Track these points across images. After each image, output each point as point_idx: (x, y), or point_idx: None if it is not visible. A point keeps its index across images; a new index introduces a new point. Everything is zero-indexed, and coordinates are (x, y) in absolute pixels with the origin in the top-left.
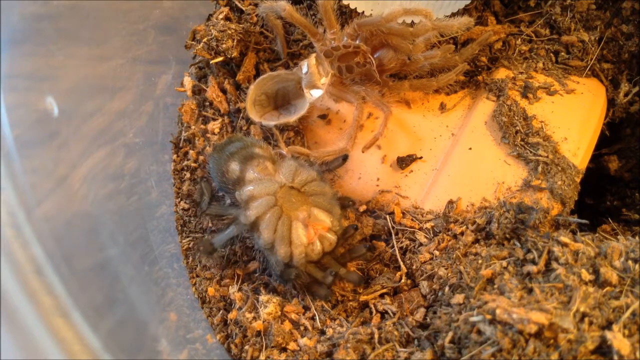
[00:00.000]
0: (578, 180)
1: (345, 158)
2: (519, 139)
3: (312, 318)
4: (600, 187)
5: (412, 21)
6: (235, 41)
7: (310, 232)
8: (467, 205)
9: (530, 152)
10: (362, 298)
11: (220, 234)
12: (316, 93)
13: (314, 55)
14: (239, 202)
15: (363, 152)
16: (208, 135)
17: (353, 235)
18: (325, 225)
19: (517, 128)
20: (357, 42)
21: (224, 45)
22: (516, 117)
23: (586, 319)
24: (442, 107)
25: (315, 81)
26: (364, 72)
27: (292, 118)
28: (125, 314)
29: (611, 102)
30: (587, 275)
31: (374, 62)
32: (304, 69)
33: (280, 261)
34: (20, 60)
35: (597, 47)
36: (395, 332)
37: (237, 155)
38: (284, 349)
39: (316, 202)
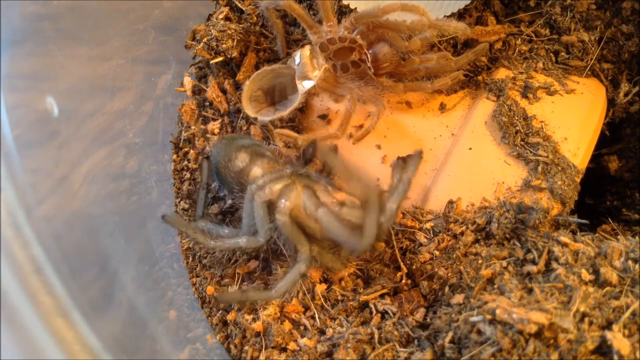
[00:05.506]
0: (578, 180)
1: (314, 143)
2: (519, 139)
3: (312, 317)
4: (600, 187)
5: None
6: (235, 41)
7: (336, 195)
8: (467, 205)
9: (530, 152)
10: (362, 298)
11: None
12: (308, 84)
13: (308, 46)
14: (247, 195)
15: (354, 143)
16: (208, 135)
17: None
18: (344, 194)
19: (517, 128)
20: (354, 34)
21: (224, 45)
22: (516, 117)
23: (586, 319)
24: (442, 107)
25: (307, 72)
26: (358, 73)
27: (286, 112)
28: (125, 313)
29: (611, 102)
30: (587, 275)
31: (369, 57)
32: (297, 60)
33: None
34: (20, 60)
35: (597, 47)
36: (395, 332)
37: (249, 148)
38: (284, 349)
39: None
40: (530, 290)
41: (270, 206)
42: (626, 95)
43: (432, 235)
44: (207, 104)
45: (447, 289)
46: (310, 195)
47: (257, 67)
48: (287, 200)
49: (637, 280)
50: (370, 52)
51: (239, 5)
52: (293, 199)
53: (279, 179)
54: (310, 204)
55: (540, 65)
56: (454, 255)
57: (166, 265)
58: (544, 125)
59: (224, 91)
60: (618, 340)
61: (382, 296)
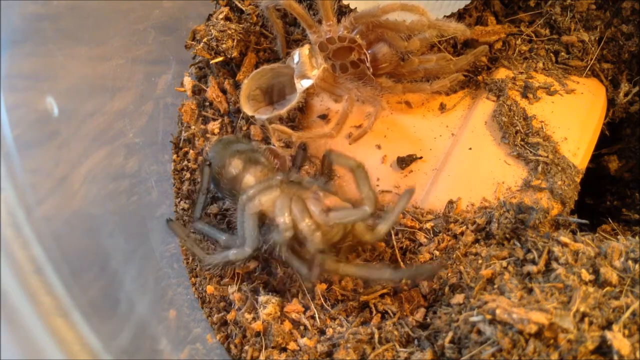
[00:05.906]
0: (578, 180)
1: (304, 148)
2: (519, 139)
3: (312, 317)
4: (600, 187)
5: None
6: (235, 41)
7: (326, 202)
8: (467, 205)
9: (530, 152)
10: (362, 298)
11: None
12: (306, 83)
13: (307, 45)
14: (239, 206)
15: (350, 144)
16: (208, 135)
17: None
18: (337, 199)
19: (517, 128)
20: (353, 34)
21: (224, 45)
22: (516, 117)
23: (586, 319)
24: (442, 107)
25: (305, 71)
26: (357, 73)
27: (283, 110)
28: (125, 313)
29: (611, 102)
30: (587, 275)
31: (368, 57)
32: (296, 59)
33: (313, 242)
34: (20, 60)
35: (597, 47)
36: (395, 332)
37: (243, 154)
38: (284, 349)
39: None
40: (530, 290)
41: (262, 216)
42: (626, 95)
43: (432, 235)
44: (207, 104)
45: (447, 289)
46: (300, 209)
47: (257, 67)
48: (280, 214)
49: (637, 280)
50: (369, 52)
51: (239, 5)
52: (285, 210)
53: (268, 189)
54: (298, 218)
55: (540, 65)
56: (454, 255)
57: (166, 265)
58: (544, 125)
59: (224, 91)
60: (618, 340)
61: (382, 296)
